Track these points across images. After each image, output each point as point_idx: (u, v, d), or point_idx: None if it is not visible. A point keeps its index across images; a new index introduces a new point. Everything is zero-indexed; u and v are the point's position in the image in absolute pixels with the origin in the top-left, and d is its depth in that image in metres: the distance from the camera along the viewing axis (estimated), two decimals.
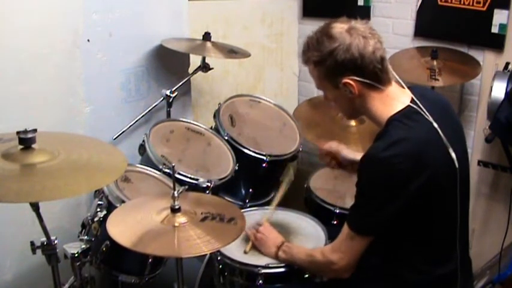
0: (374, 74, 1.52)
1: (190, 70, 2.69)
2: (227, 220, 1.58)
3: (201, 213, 1.59)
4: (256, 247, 1.91)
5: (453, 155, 1.51)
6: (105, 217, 1.86)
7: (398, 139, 1.47)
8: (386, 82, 1.56)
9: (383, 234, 1.54)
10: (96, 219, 1.94)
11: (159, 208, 1.60)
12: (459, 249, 1.59)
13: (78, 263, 1.75)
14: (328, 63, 1.52)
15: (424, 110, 1.52)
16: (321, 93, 3.54)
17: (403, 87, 1.60)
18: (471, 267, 1.75)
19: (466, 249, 1.71)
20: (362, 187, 1.53)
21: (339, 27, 1.52)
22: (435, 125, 1.50)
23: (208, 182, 2.16)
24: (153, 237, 1.48)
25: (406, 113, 1.53)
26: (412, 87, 1.61)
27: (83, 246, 1.77)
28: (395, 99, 1.56)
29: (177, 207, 1.55)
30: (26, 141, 1.45)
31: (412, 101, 1.55)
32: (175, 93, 2.50)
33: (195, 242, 1.46)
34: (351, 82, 1.53)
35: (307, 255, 1.74)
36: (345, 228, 1.57)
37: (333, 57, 1.50)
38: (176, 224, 1.53)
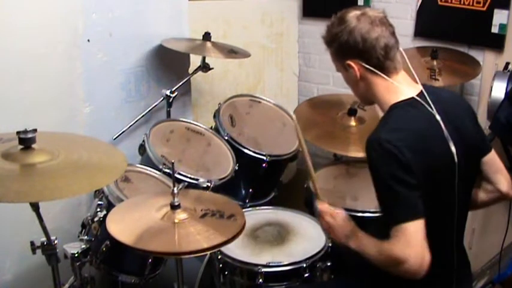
0: (377, 60, 1.55)
1: (190, 70, 2.69)
2: (227, 216, 1.58)
3: (201, 210, 1.59)
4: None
5: (453, 148, 1.51)
6: (105, 217, 1.86)
7: (398, 125, 1.50)
8: (391, 71, 1.57)
9: (386, 227, 1.49)
10: (96, 219, 1.94)
11: (158, 205, 1.60)
12: (456, 247, 1.59)
13: (78, 263, 1.75)
14: (335, 45, 1.60)
15: (430, 102, 1.53)
16: (321, 93, 3.56)
17: (417, 83, 1.61)
18: (470, 267, 1.75)
19: (463, 248, 1.70)
20: (375, 176, 1.50)
21: (353, 13, 1.57)
22: (438, 117, 1.52)
23: (208, 182, 2.16)
24: (153, 234, 1.49)
25: (411, 102, 1.55)
26: (425, 86, 1.61)
27: (83, 246, 1.77)
28: (400, 89, 1.57)
29: (176, 204, 1.55)
30: (26, 141, 1.45)
31: (420, 94, 1.56)
32: (175, 93, 2.50)
33: (195, 238, 1.46)
34: (353, 65, 1.57)
35: (375, 254, 1.58)
36: (394, 229, 1.46)
37: (338, 39, 1.57)
38: (176, 221, 1.53)
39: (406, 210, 1.45)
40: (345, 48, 1.56)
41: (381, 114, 1.69)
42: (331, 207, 1.75)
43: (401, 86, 1.57)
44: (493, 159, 1.68)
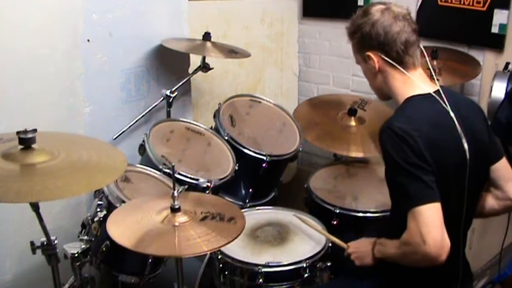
0: (396, 54, 1.59)
1: (190, 70, 2.69)
2: (227, 219, 1.58)
3: (201, 213, 1.59)
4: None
5: (466, 145, 1.53)
6: (105, 217, 1.87)
7: (413, 116, 1.52)
8: (409, 66, 1.61)
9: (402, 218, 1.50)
10: (96, 219, 1.94)
11: (159, 208, 1.60)
12: (462, 245, 1.59)
13: (78, 263, 1.75)
14: (357, 36, 1.64)
15: (445, 100, 1.56)
16: (321, 93, 3.56)
17: (435, 84, 1.63)
18: (469, 267, 1.75)
19: (464, 247, 1.70)
20: (390, 162, 1.51)
21: (378, 6, 1.61)
22: (452, 113, 1.54)
23: (208, 182, 2.16)
24: (153, 237, 1.48)
25: (427, 97, 1.57)
26: (442, 87, 1.63)
27: (83, 246, 1.77)
28: (418, 84, 1.60)
29: (177, 206, 1.55)
30: (26, 141, 1.45)
31: (436, 92, 1.58)
32: (175, 93, 2.50)
33: (196, 241, 1.46)
34: (373, 56, 1.61)
35: (396, 249, 1.59)
36: (411, 213, 1.46)
37: (360, 31, 1.61)
38: (176, 224, 1.53)
39: (423, 193, 1.46)
40: (367, 40, 1.60)
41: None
42: (352, 242, 1.81)
43: (418, 82, 1.60)
44: (504, 167, 1.69)
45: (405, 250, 1.51)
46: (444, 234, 1.44)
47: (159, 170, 2.17)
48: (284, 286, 1.89)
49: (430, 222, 1.44)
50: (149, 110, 2.53)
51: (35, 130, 1.47)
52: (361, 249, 1.75)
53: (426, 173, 1.46)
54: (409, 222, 1.47)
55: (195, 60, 2.67)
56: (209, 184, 2.16)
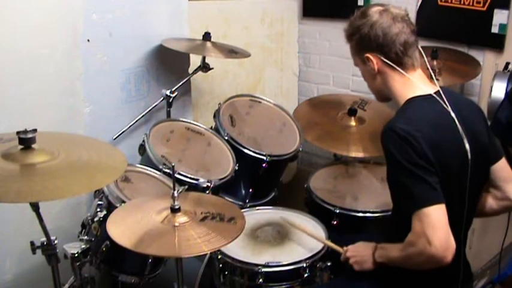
0: (395, 55, 1.58)
1: (190, 70, 2.69)
2: (227, 220, 1.58)
3: (201, 213, 1.59)
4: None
5: (467, 146, 1.53)
6: (105, 217, 1.87)
7: (414, 117, 1.52)
8: (409, 67, 1.61)
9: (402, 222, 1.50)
10: (96, 219, 1.94)
11: (159, 208, 1.60)
12: (463, 245, 1.59)
13: (78, 263, 1.75)
14: (355, 38, 1.63)
15: (446, 101, 1.56)
16: (321, 93, 3.56)
17: (435, 85, 1.63)
18: (470, 267, 1.75)
19: (465, 247, 1.70)
20: (393, 164, 1.51)
21: (376, 8, 1.61)
22: (452, 114, 1.54)
23: (208, 182, 2.16)
24: (153, 237, 1.48)
25: (428, 98, 1.58)
26: (443, 87, 1.63)
27: (83, 246, 1.77)
28: (418, 85, 1.60)
29: (177, 207, 1.55)
30: (26, 141, 1.45)
31: (437, 93, 1.59)
32: (175, 93, 2.50)
33: (196, 242, 1.46)
34: (372, 57, 1.61)
35: (399, 252, 1.58)
36: (416, 214, 1.46)
37: (359, 32, 1.61)
38: (176, 224, 1.53)
39: (428, 195, 1.46)
40: (365, 41, 1.60)
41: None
42: (349, 246, 1.79)
43: (418, 83, 1.60)
44: (504, 168, 1.69)
45: (410, 252, 1.50)
46: (449, 235, 1.44)
47: (159, 170, 2.17)
48: (284, 286, 1.89)
49: (435, 223, 1.43)
50: (149, 110, 2.53)
51: (35, 130, 1.47)
52: (360, 253, 1.73)
53: (430, 174, 1.46)
54: (414, 224, 1.47)
55: (195, 60, 2.67)
56: (209, 184, 2.16)
